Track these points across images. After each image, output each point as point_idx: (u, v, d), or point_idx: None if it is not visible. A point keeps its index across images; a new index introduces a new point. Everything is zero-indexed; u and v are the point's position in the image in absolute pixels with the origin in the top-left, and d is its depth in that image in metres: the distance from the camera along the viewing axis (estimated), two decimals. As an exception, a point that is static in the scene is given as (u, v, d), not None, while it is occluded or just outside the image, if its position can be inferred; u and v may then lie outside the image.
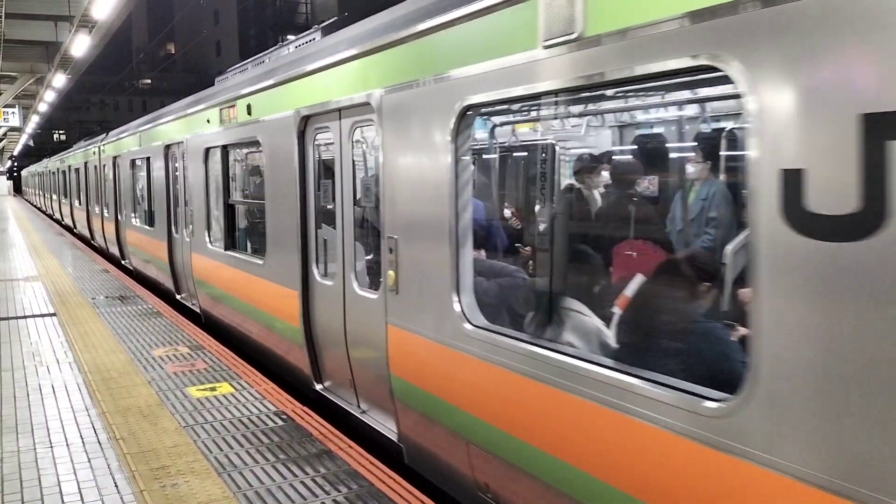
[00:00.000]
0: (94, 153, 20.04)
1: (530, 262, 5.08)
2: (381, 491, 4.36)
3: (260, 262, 7.55)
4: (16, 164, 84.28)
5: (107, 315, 9.98)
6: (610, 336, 3.98)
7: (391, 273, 4.92)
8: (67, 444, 5.20)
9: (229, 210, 9.04)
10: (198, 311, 10.35)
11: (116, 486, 4.50)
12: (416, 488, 4.42)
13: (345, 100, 5.53)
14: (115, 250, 17.19)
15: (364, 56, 5.24)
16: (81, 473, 4.70)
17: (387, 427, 5.36)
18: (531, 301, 4.62)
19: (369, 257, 5.88)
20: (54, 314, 10.03)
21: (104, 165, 18.21)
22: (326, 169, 6.35)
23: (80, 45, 17.32)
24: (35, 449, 5.13)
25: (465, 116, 4.20)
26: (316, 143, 6.36)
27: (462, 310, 4.24)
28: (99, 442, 5.24)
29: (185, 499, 4.29)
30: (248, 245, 8.85)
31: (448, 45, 4.27)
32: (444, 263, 4.34)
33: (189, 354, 7.74)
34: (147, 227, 13.41)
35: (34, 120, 39.26)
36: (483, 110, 4.51)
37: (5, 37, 18.14)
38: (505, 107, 4.82)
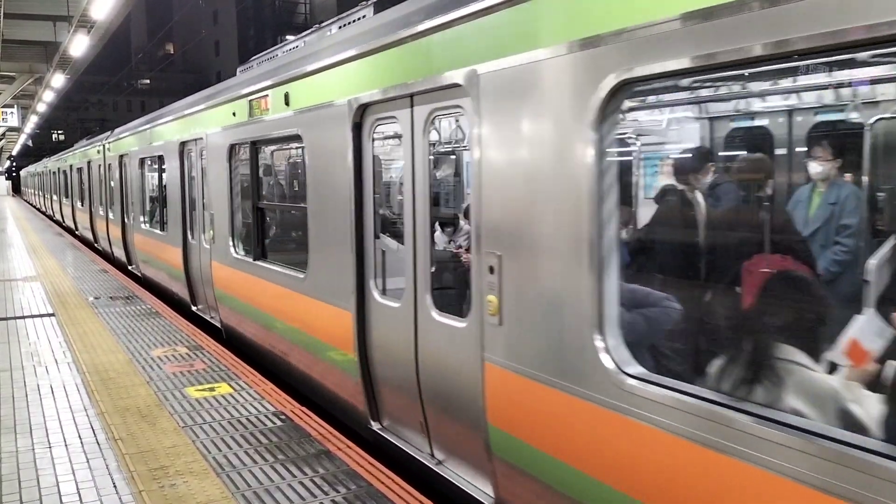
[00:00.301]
0: (98, 152, 19.06)
1: (688, 287, 3.82)
2: (380, 491, 4.35)
3: (300, 275, 6.53)
4: (14, 164, 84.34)
5: (105, 315, 9.97)
6: (864, 403, 2.73)
7: (492, 298, 3.93)
8: (66, 445, 5.20)
9: (259, 215, 7.92)
10: (218, 325, 9.34)
11: (115, 486, 4.50)
12: (414, 489, 4.43)
13: (421, 82, 4.58)
14: (121, 254, 16.38)
15: (452, 25, 4.24)
16: (80, 474, 4.70)
17: (477, 487, 4.42)
18: (720, 345, 3.37)
19: (450, 276, 5.05)
20: (53, 314, 10.02)
21: (109, 165, 17.28)
22: (388, 168, 5.64)
23: (79, 45, 17.33)
24: (33, 449, 5.12)
25: (617, 95, 3.19)
26: (376, 136, 5.43)
27: (610, 354, 3.24)
28: (97, 442, 5.24)
29: (183, 499, 4.28)
30: (284, 255, 7.76)
31: (584, 2, 3.29)
32: (581, 290, 3.33)
33: (188, 355, 7.74)
34: (158, 232, 12.44)
35: (33, 120, 39.25)
36: (642, 87, 3.36)
37: (4, 37, 18.13)
38: (672, 82, 3.62)
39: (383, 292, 5.36)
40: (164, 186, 11.98)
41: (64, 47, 18.61)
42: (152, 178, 13.32)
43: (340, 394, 5.96)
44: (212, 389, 6.47)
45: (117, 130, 17.09)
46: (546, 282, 3.60)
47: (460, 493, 4.51)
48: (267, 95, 7.12)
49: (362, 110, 5.38)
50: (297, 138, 6.67)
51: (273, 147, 8.33)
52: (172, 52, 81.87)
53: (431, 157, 4.79)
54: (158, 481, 4.54)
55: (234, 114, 8.13)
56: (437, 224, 5.23)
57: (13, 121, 29.15)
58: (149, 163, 13.33)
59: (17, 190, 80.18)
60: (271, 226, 8.41)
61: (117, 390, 6.46)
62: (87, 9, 14.71)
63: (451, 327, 4.46)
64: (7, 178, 78.93)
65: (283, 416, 5.73)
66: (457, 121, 5.03)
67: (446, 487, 4.65)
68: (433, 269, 4.79)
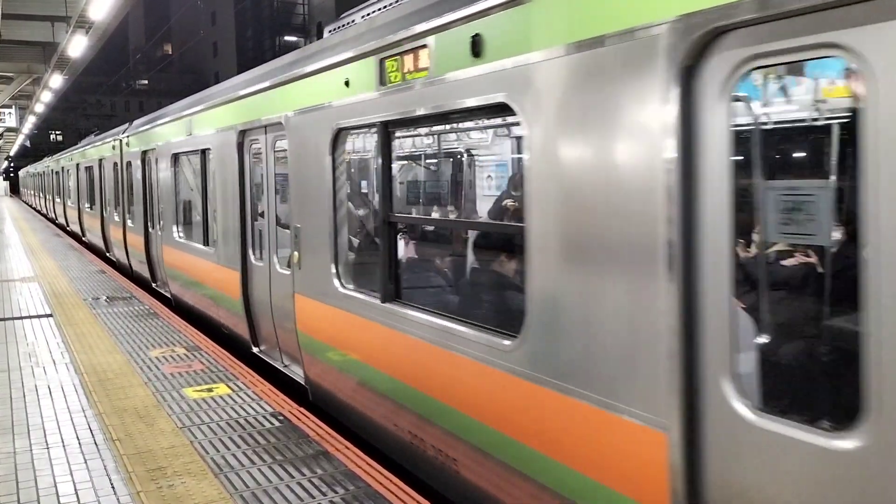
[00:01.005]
0: (113, 147, 16.38)
1: None
2: (378, 492, 4.36)
3: (503, 341, 3.99)
4: (12, 164, 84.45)
5: (103, 316, 9.97)
6: None
7: None
8: (64, 446, 5.19)
9: (389, 233, 5.33)
10: (300, 381, 6.81)
11: (113, 487, 4.50)
12: (412, 489, 4.43)
13: None
14: (142, 269, 13.80)
15: None
16: (78, 475, 4.70)
17: None
18: None
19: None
20: (51, 315, 10.02)
21: (128, 163, 14.74)
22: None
23: (77, 46, 17.35)
24: (31, 450, 5.11)
25: None
26: (740, 92, 2.81)
27: None
28: (95, 443, 5.23)
29: (181, 500, 4.28)
30: (448, 302, 5.46)
31: None
32: None
33: (186, 355, 7.74)
34: (201, 247, 9.74)
35: (31, 120, 39.26)
36: None
37: (2, 37, 18.13)
38: None
39: (755, 404, 2.77)
40: (212, 189, 9.28)
41: (62, 48, 18.62)
42: (191, 179, 10.78)
43: None
44: (210, 390, 6.47)
45: (138, 122, 14.70)
46: None
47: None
48: (423, 46, 4.66)
49: (708, 39, 2.78)
50: (495, 109, 4.29)
51: (428, 129, 6.06)
52: (170, 52, 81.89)
53: None
54: (156, 482, 4.53)
55: (346, 83, 5.64)
56: None
57: (11, 121, 29.25)
58: (186, 159, 10.80)
59: (15, 191, 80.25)
60: (414, 251, 6.14)
61: (115, 391, 6.45)
62: (85, 9, 14.75)
63: None
64: (5, 179, 79.03)
65: (281, 417, 5.73)
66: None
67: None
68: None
